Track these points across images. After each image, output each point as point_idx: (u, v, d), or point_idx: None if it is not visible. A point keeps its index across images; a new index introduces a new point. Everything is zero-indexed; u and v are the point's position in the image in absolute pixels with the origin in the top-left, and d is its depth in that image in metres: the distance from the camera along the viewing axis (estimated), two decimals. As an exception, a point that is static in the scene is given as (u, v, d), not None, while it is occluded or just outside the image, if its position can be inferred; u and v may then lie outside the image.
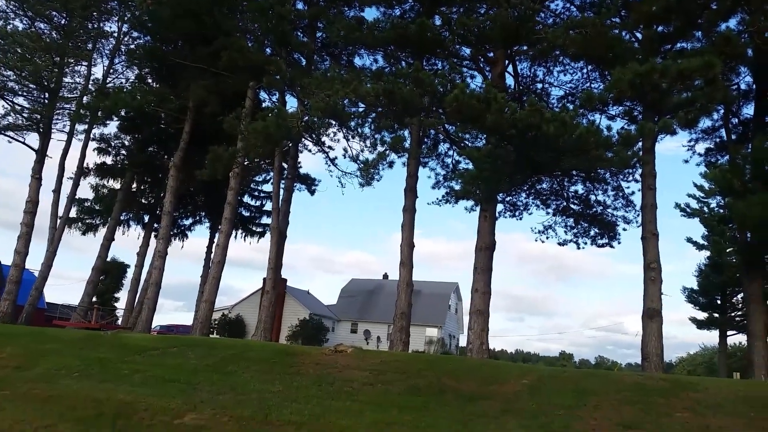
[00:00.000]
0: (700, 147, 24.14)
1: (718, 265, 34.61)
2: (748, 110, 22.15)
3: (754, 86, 20.93)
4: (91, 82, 29.50)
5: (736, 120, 22.85)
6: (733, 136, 22.46)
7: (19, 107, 27.88)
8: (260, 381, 12.49)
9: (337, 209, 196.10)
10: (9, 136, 28.07)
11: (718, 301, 35.88)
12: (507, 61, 20.99)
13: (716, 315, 35.77)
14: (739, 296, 33.20)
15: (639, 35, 17.86)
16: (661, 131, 16.69)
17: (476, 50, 20.61)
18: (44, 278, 28.19)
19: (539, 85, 23.58)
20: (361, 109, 19.02)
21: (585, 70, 22.14)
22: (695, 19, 16.68)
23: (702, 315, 36.91)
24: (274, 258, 23.43)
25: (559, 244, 23.94)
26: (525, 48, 20.22)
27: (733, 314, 34.96)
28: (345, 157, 22.57)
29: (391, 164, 21.11)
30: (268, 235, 26.50)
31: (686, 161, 24.82)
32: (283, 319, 35.94)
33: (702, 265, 36.82)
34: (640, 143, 17.13)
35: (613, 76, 15.52)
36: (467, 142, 20.28)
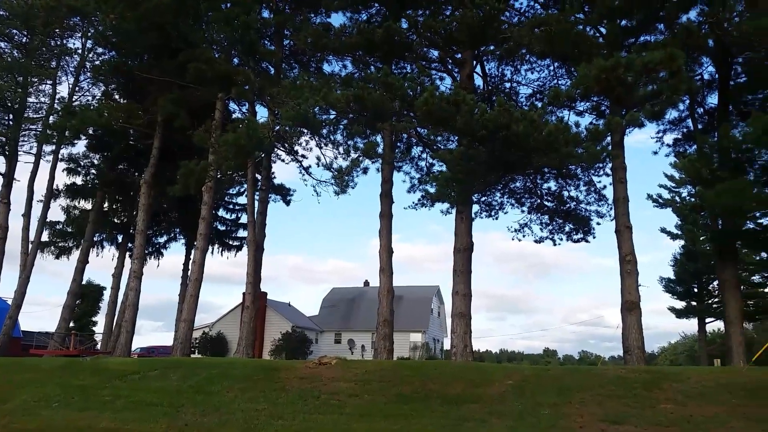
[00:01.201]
0: (668, 138, 24.54)
1: (692, 253, 35.14)
2: (713, 100, 22.58)
3: (717, 76, 21.31)
4: (56, 101, 29.00)
5: (702, 110, 23.25)
6: (700, 126, 22.83)
7: (-17, 130, 27.30)
8: (245, 399, 12.31)
9: (313, 218, 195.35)
10: (-27, 160, 27.46)
11: (695, 289, 36.40)
12: (475, 62, 21.08)
13: (694, 303, 36.28)
14: (715, 283, 33.71)
15: (603, 30, 18.06)
16: (629, 124, 16.91)
17: (444, 52, 20.67)
18: (18, 306, 27.48)
19: (508, 85, 23.75)
20: (332, 116, 18.90)
21: (552, 68, 22.36)
22: (657, 11, 16.92)
23: (680, 304, 37.43)
24: (253, 272, 23.15)
25: (536, 241, 24.19)
26: (492, 48, 20.32)
27: (710, 301, 35.47)
28: (319, 166, 22.39)
29: (365, 170, 21.04)
30: (245, 249, 26.24)
31: (655, 152, 25.19)
32: (265, 334, 35.64)
33: (677, 254, 37.38)
34: (609, 138, 17.33)
35: (578, 72, 15.69)
36: (440, 145, 20.31)
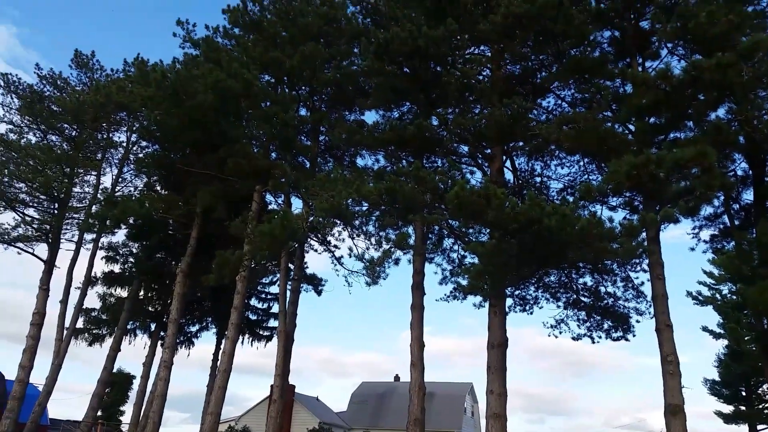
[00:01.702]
0: (705, 234, 24.02)
1: (737, 354, 33.39)
2: (748, 195, 22.32)
3: (750, 172, 21.22)
4: (100, 191, 30.23)
5: (737, 206, 22.97)
6: (737, 222, 22.47)
7: (29, 218, 28.50)
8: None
9: (344, 309, 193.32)
10: (19, 248, 28.45)
11: (743, 393, 34.36)
12: (504, 157, 21.45)
13: (743, 408, 34.11)
14: (765, 386, 31.87)
15: (632, 127, 18.35)
16: (664, 220, 16.73)
17: (474, 148, 21.16)
18: (48, 393, 27.52)
19: (538, 179, 23.92)
20: (364, 208, 19.22)
21: (582, 163, 22.55)
22: (685, 110, 17.18)
23: (727, 408, 35.16)
24: (281, 363, 22.86)
25: (573, 338, 23.26)
26: (521, 144, 20.76)
27: (761, 406, 33.35)
28: (350, 256, 22.58)
29: (396, 261, 21.08)
30: (275, 339, 26.08)
31: (692, 249, 24.61)
32: (291, 429, 34.55)
33: (721, 354, 35.60)
34: (644, 233, 17.15)
35: (609, 167, 15.80)
36: (471, 237, 20.34)
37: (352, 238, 23.09)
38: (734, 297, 29.60)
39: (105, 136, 31.09)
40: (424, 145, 20.16)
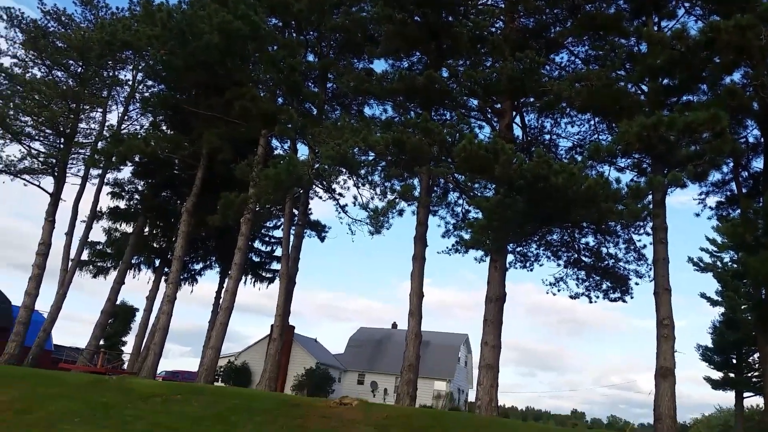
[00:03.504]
0: (711, 200, 24.03)
1: (733, 322, 33.70)
2: (758, 164, 22.13)
3: (762, 139, 20.95)
4: (105, 128, 30.16)
5: (746, 173, 22.77)
6: (744, 190, 22.32)
7: (35, 152, 28.54)
8: (263, 433, 12.22)
9: (346, 256, 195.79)
10: (25, 179, 28.63)
11: (734, 361, 34.76)
12: (514, 113, 21.23)
13: (732, 375, 34.53)
14: (756, 356, 32.27)
15: (645, 88, 18.04)
16: (671, 184, 16.64)
17: (483, 102, 20.91)
18: (53, 320, 28.15)
19: (547, 137, 23.79)
20: (370, 158, 19.17)
21: (592, 122, 22.35)
22: (700, 72, 16.85)
23: (717, 374, 35.67)
24: (282, 305, 23.28)
25: (571, 297, 23.63)
26: (532, 100, 20.49)
27: (750, 374, 33.84)
28: (355, 205, 22.62)
29: (401, 212, 21.14)
30: (277, 281, 26.44)
31: (697, 215, 24.59)
32: (289, 368, 35.47)
33: (716, 321, 35.85)
34: (650, 196, 17.09)
35: (620, 128, 15.61)
36: (476, 192, 20.33)
37: (357, 187, 23.07)
38: (735, 265, 29.66)
39: (111, 74, 30.74)
40: (434, 97, 19.92)
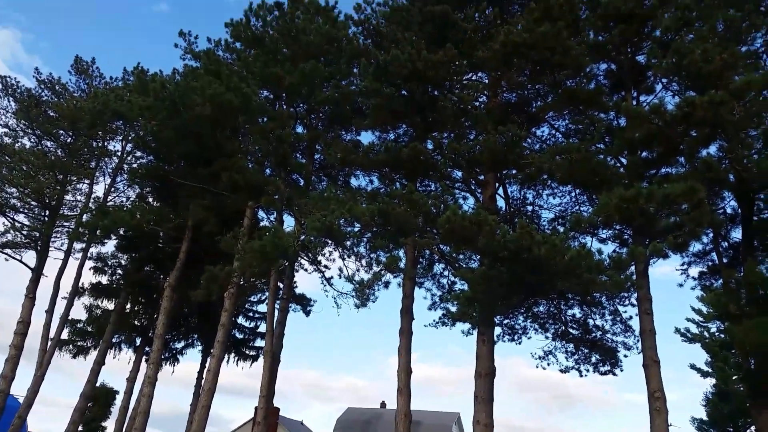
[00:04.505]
0: (694, 270, 24.10)
1: (725, 393, 33.18)
2: (737, 234, 22.44)
3: (739, 210, 21.36)
4: (92, 200, 30.14)
5: (726, 243, 23.04)
6: (725, 260, 22.51)
7: (19, 224, 28.32)
8: None
9: (332, 330, 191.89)
10: (6, 254, 28.23)
11: (730, 432, 34.09)
12: (497, 184, 21.56)
13: (731, 448, 33.81)
14: (752, 428, 31.62)
15: (624, 160, 18.50)
16: (653, 255, 16.75)
17: (467, 173, 21.26)
18: (29, 405, 26.93)
19: (530, 208, 24.02)
20: (356, 229, 19.24)
21: (573, 194, 22.68)
22: (677, 145, 17.35)
23: (715, 449, 34.92)
24: (266, 385, 22.51)
25: (561, 371, 23.06)
26: (514, 172, 20.88)
27: (749, 448, 33.02)
28: (341, 277, 22.48)
29: (386, 284, 21.04)
30: (261, 359, 25.88)
31: (681, 285, 24.67)
32: (273, 451, 34.00)
33: (709, 393, 35.39)
34: (633, 267, 17.18)
35: (600, 200, 15.89)
36: (462, 263, 20.34)
37: (343, 259, 23.06)
38: (722, 335, 29.56)
39: (100, 145, 31.05)
40: (419, 169, 20.24)
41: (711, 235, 22.11)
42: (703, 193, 15.18)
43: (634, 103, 19.25)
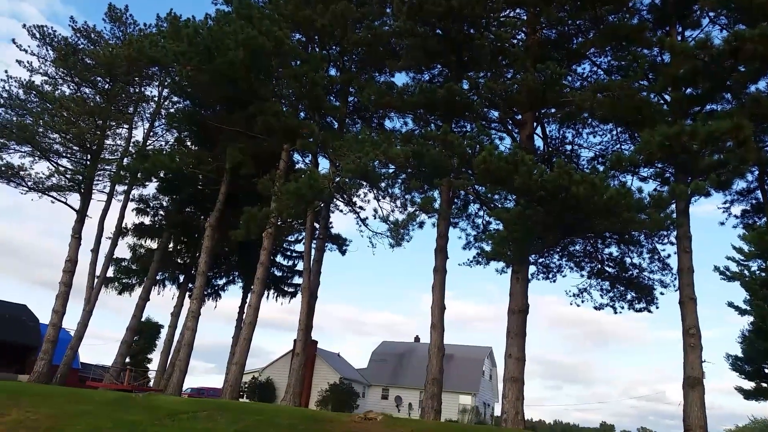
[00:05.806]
0: (736, 209, 23.66)
1: (762, 331, 32.92)
2: (785, 171, 21.73)
3: (788, 147, 20.61)
4: (131, 145, 30.67)
5: (772, 181, 22.40)
6: (770, 198, 21.97)
7: (63, 169, 29.08)
8: (287, 446, 12.27)
9: (367, 269, 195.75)
10: (52, 197, 29.18)
11: (766, 369, 34.02)
12: (535, 123, 21.19)
13: (765, 384, 33.82)
14: (788, 364, 31.54)
15: (667, 98, 17.91)
16: (694, 193, 16.45)
17: (504, 113, 20.92)
18: (80, 338, 28.56)
19: (569, 147, 23.66)
20: (391, 171, 19.30)
21: (614, 132, 22.19)
22: (723, 81, 16.70)
23: (749, 384, 34.90)
24: (305, 319, 23.36)
25: (595, 308, 23.27)
26: (553, 111, 20.45)
27: (784, 384, 33.01)
28: (375, 218, 22.77)
29: (421, 225, 21.14)
30: (299, 296, 26.68)
31: (722, 223, 24.22)
32: (313, 383, 35.53)
33: (745, 331, 35.15)
34: (674, 205, 16.92)
35: (642, 138, 15.52)
36: (497, 203, 20.27)
37: (378, 200, 23.23)
38: (763, 274, 29.11)
39: (137, 90, 31.39)
40: (454, 109, 19.96)
41: (756, 172, 21.49)
42: (751, 129, 14.70)
43: (679, 38, 18.46)
